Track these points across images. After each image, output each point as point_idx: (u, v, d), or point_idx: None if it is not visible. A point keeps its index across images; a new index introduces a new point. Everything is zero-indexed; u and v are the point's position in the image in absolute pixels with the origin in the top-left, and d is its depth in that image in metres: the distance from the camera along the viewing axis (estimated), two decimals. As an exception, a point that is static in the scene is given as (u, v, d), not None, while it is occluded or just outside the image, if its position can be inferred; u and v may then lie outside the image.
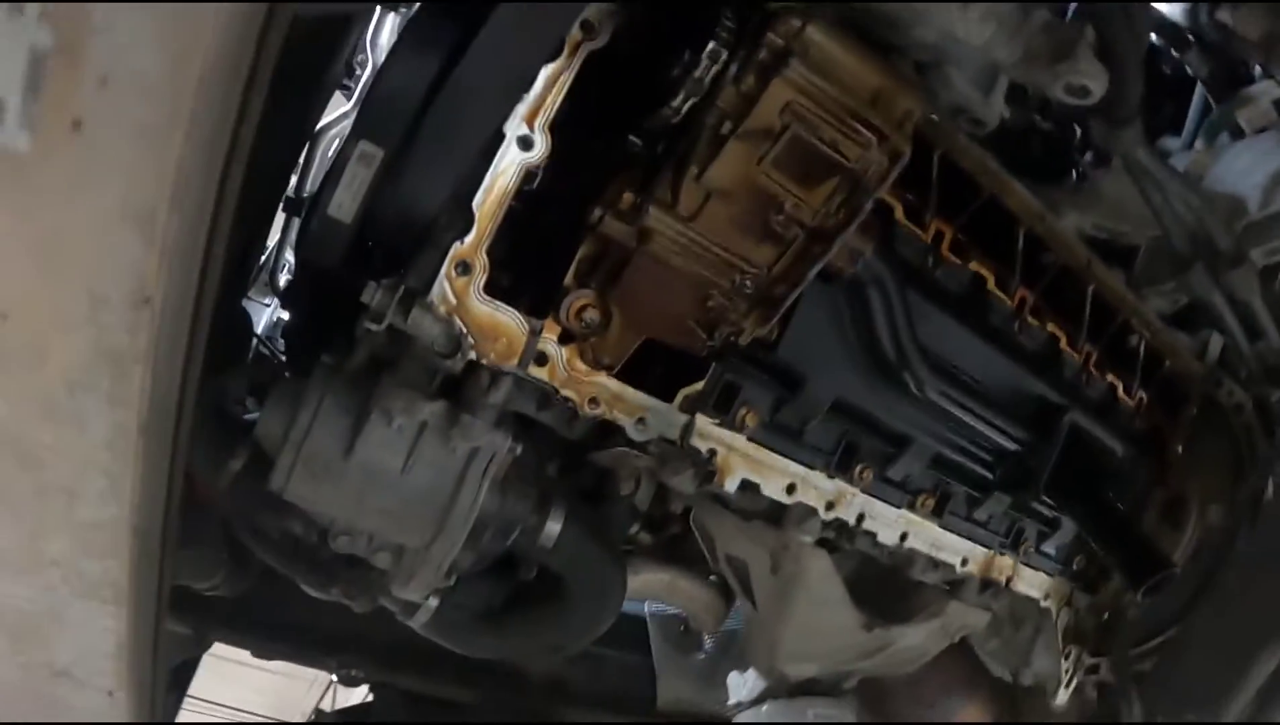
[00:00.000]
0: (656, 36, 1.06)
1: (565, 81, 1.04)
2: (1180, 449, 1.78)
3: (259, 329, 1.74)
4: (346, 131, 1.60)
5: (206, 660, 1.82)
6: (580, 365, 1.12)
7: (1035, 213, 1.42)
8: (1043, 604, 1.65)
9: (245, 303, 1.87)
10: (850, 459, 1.30)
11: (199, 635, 1.52)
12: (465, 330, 1.05)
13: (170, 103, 0.45)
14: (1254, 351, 1.72)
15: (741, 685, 1.72)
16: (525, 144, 1.04)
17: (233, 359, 1.39)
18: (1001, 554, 1.54)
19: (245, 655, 1.72)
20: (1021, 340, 1.43)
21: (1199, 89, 1.85)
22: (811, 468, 1.28)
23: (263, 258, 2.05)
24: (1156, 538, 1.76)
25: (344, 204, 1.03)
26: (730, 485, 1.22)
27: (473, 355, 1.07)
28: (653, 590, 1.52)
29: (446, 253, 1.04)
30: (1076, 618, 1.73)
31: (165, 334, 0.55)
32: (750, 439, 1.22)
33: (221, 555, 1.29)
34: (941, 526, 1.44)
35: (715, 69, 0.99)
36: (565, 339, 1.11)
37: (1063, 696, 1.75)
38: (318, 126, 1.93)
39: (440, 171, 1.04)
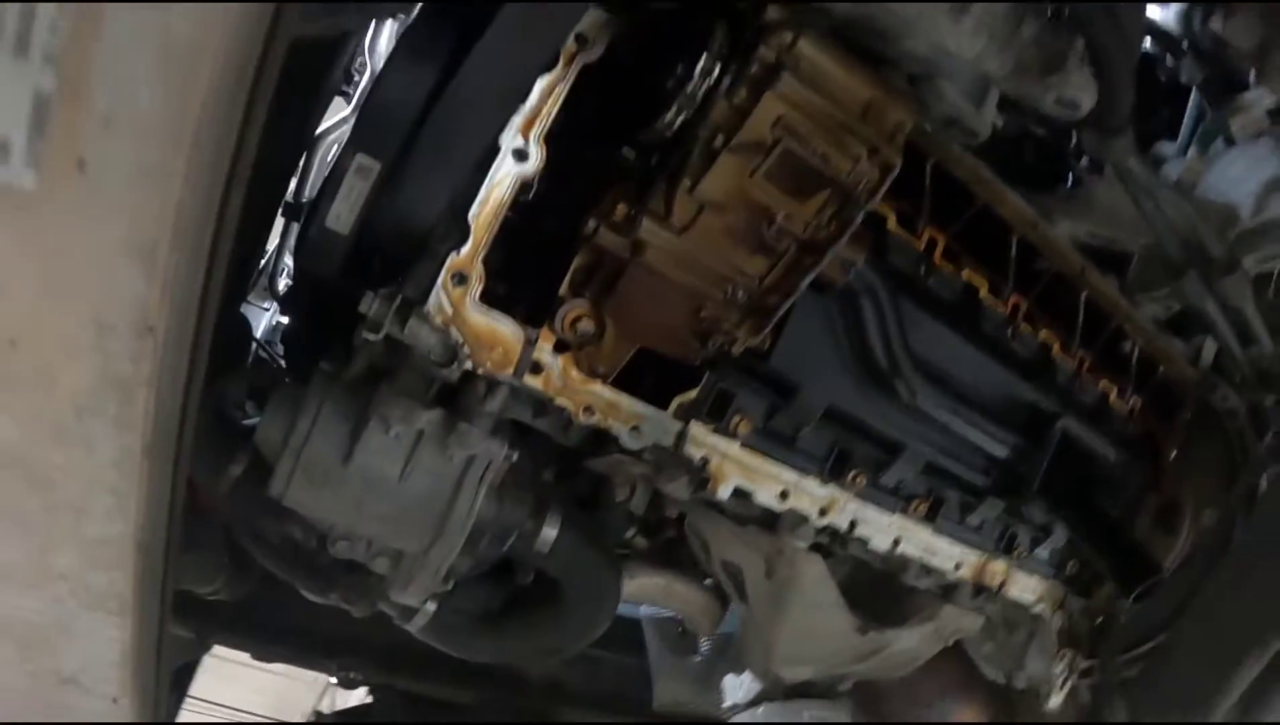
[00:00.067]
0: (650, 50, 1.07)
1: (560, 93, 1.06)
2: (1174, 454, 1.79)
3: (258, 333, 1.75)
4: (345, 137, 1.61)
5: (206, 660, 1.84)
6: (575, 374, 1.13)
7: (1028, 221, 1.43)
8: (1035, 609, 1.66)
9: (245, 306, 1.89)
10: (843, 465, 1.31)
11: (200, 638, 1.54)
12: (461, 340, 1.07)
13: (170, 143, 0.47)
14: (1247, 357, 1.73)
15: (737, 687, 1.74)
16: (520, 156, 1.05)
17: (232, 364, 1.40)
18: (994, 559, 1.55)
19: (245, 656, 1.74)
20: (1014, 347, 1.44)
21: (1194, 94, 1.86)
22: (805, 474, 1.29)
23: (262, 262, 2.06)
24: (1150, 542, 1.77)
25: (341, 216, 1.04)
26: (723, 492, 1.23)
27: (469, 365, 1.08)
28: (648, 594, 1.53)
29: (443, 263, 1.05)
30: (1070, 621, 1.75)
31: (168, 361, 0.57)
32: (744, 446, 1.23)
33: (222, 560, 1.31)
34: (934, 532, 1.45)
35: (707, 83, 1.00)
36: (560, 348, 1.12)
37: (1056, 700, 1.76)
38: (317, 132, 1.94)
39: (437, 183, 1.05)
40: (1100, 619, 1.78)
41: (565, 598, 1.33)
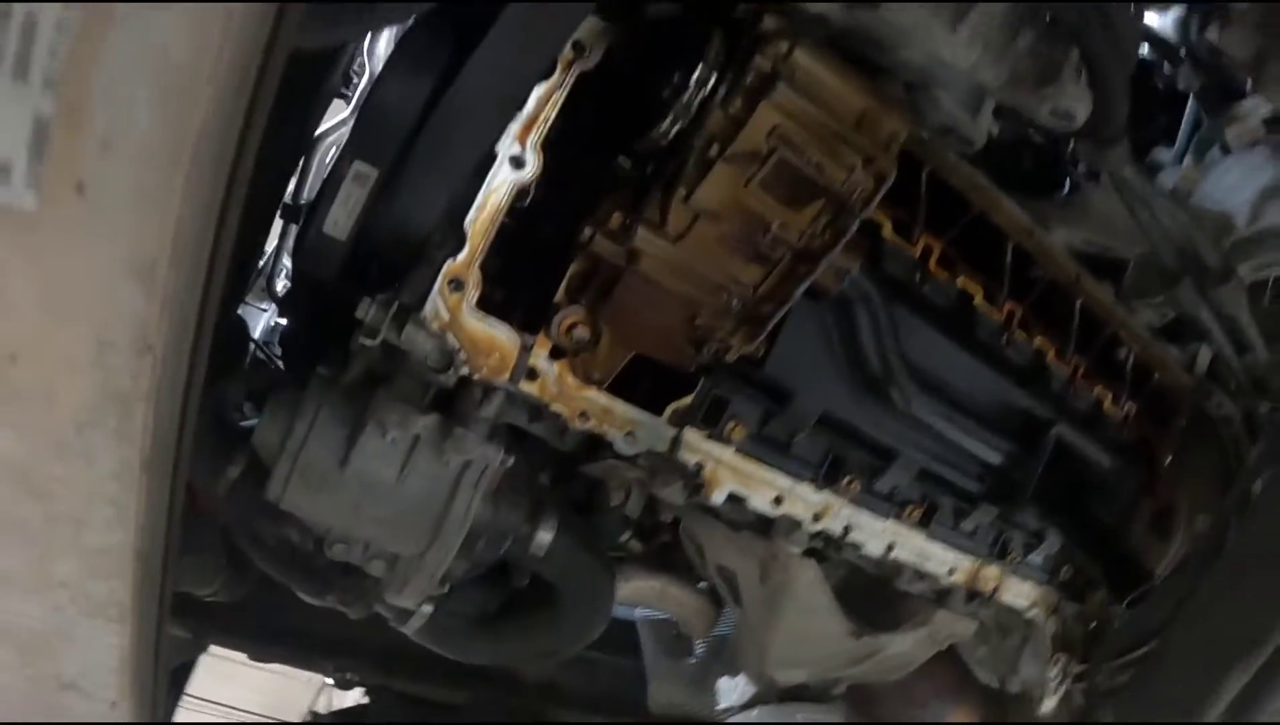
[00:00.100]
0: (647, 58, 1.07)
1: (557, 101, 1.06)
2: (1169, 460, 1.80)
3: (257, 333, 1.76)
4: (344, 139, 1.62)
5: (204, 658, 1.85)
6: (571, 380, 1.14)
7: (1024, 228, 1.44)
8: (1028, 614, 1.67)
9: (243, 307, 1.89)
10: (837, 472, 1.32)
11: (197, 638, 1.55)
12: (458, 346, 1.07)
13: (168, 165, 0.48)
14: (1242, 364, 1.74)
15: (732, 690, 1.75)
16: (517, 163, 1.06)
17: (229, 366, 1.41)
18: (988, 564, 1.56)
19: (243, 654, 1.75)
20: (1009, 354, 1.45)
21: (1191, 101, 1.87)
22: (799, 480, 1.30)
23: (261, 263, 2.06)
24: (1145, 548, 1.78)
25: (339, 222, 1.05)
26: (718, 498, 1.24)
27: (465, 370, 1.09)
28: (643, 597, 1.54)
29: (440, 269, 1.06)
30: (1064, 626, 1.75)
31: (166, 377, 0.58)
32: (738, 452, 1.24)
33: (220, 562, 1.32)
34: (928, 537, 1.45)
35: (703, 93, 1.01)
36: (556, 354, 1.13)
37: (1050, 704, 1.77)
38: (316, 133, 1.94)
39: (434, 189, 1.06)
40: (1094, 624, 1.79)
41: (560, 601, 1.34)
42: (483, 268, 1.07)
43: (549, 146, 1.06)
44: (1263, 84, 1.38)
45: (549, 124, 1.06)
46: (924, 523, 1.44)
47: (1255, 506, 1.66)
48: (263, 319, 2.10)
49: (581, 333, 1.11)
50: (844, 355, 1.25)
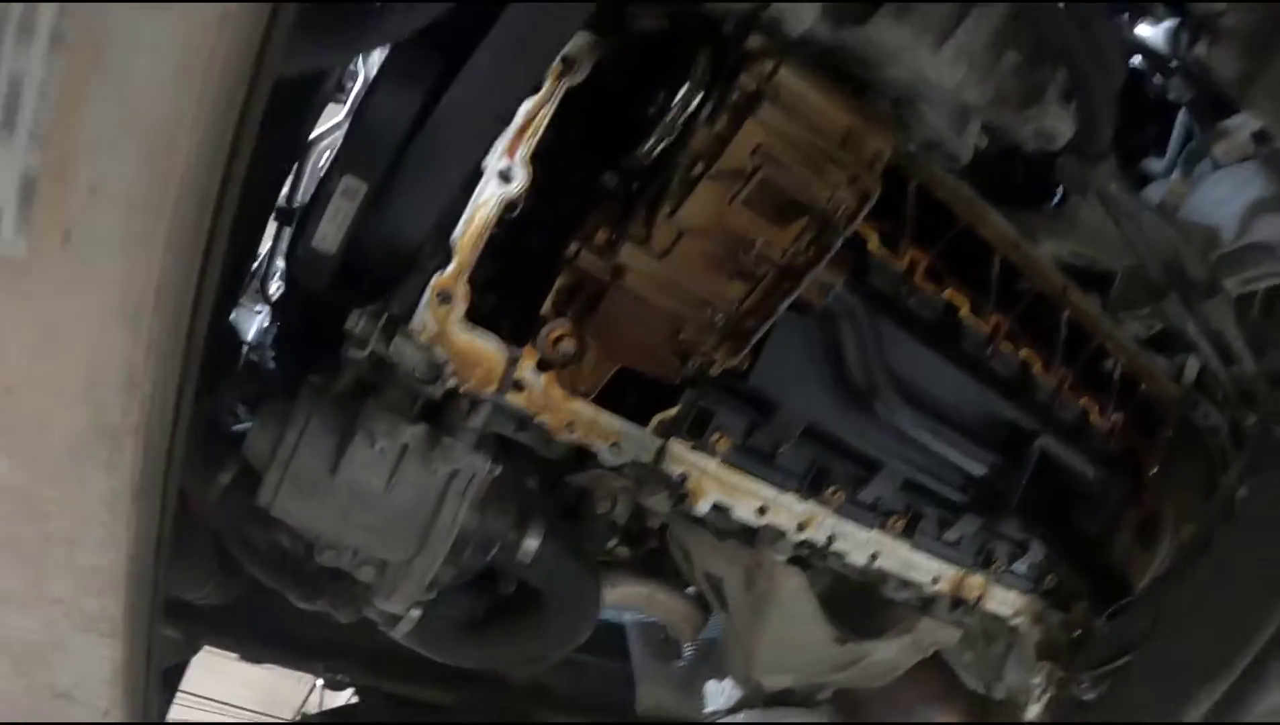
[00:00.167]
0: (635, 75, 1.08)
1: (546, 115, 1.07)
2: (1156, 470, 1.81)
3: (251, 335, 1.77)
4: (338, 142, 1.62)
5: (198, 655, 1.87)
6: (557, 391, 1.15)
7: (1010, 241, 1.45)
8: (1012, 622, 1.69)
9: (239, 308, 1.90)
10: (821, 482, 1.33)
11: (189, 639, 1.57)
12: (446, 358, 1.09)
13: (152, 214, 0.50)
14: (1230, 375, 1.75)
15: (719, 693, 1.77)
16: (506, 177, 1.07)
17: (222, 370, 1.42)
18: (972, 573, 1.57)
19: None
20: (994, 366, 1.46)
21: (1183, 110, 1.87)
22: (783, 490, 1.31)
23: (256, 265, 2.07)
24: (1130, 557, 1.79)
25: (328, 236, 1.06)
26: (702, 507, 1.26)
27: (453, 382, 1.10)
28: (631, 602, 1.56)
29: (428, 282, 1.07)
30: (1049, 634, 1.77)
31: (154, 412, 0.61)
32: (723, 462, 1.25)
33: (212, 566, 1.33)
34: (912, 547, 1.47)
35: (688, 111, 1.02)
36: (543, 366, 1.14)
37: (1034, 711, 1.79)
38: (310, 137, 1.95)
39: (423, 203, 1.07)
40: (1079, 632, 1.80)
41: (547, 607, 1.36)
42: (471, 280, 1.09)
43: (537, 160, 1.07)
44: (1250, 102, 1.39)
45: (537, 138, 1.07)
46: (908, 532, 1.45)
47: (1237, 515, 1.68)
48: (257, 320, 2.11)
49: (568, 346, 1.12)
50: (829, 368, 1.27)
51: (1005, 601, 1.66)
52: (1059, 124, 1.13)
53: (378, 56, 2.03)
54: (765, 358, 1.21)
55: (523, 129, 1.07)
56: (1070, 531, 1.51)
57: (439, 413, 1.13)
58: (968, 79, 1.11)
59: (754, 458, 1.28)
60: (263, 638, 1.64)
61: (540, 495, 1.36)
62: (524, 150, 1.07)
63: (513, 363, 1.12)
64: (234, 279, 1.63)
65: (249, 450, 1.14)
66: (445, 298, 1.08)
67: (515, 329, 1.13)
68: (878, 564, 1.45)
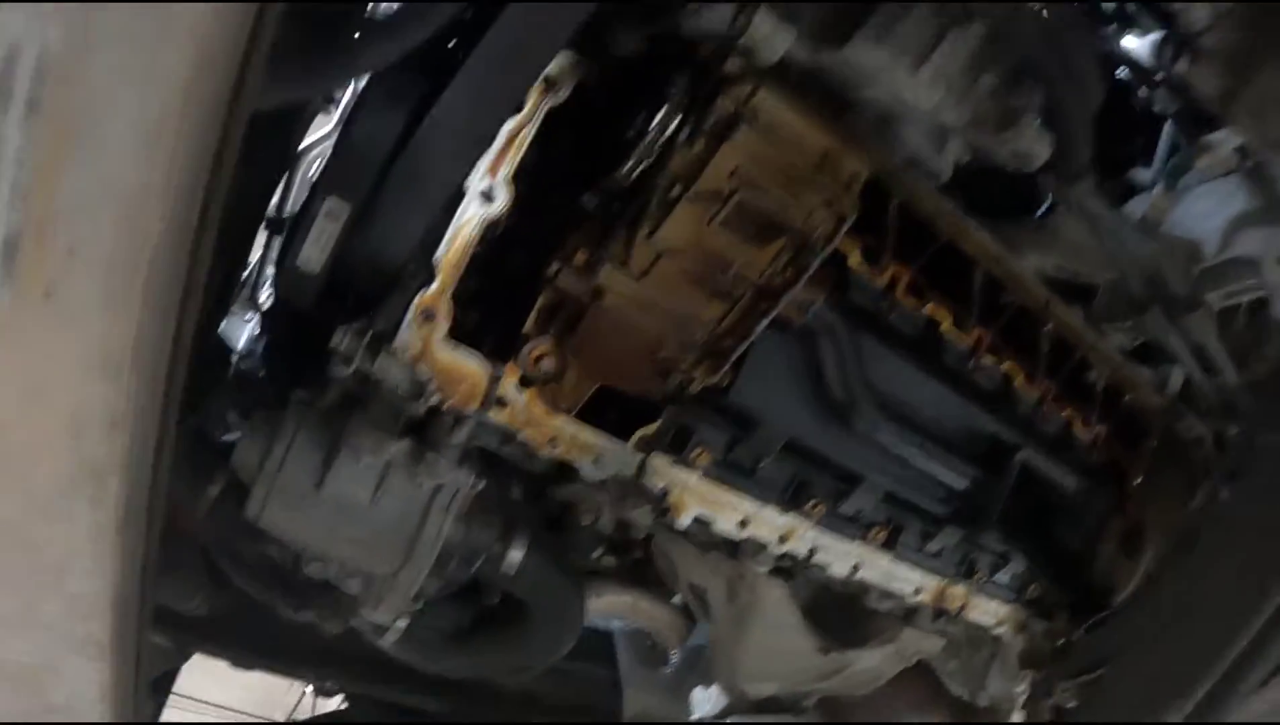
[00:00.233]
0: (616, 97, 1.10)
1: (527, 135, 1.09)
2: (1140, 480, 1.82)
3: (242, 344, 1.79)
4: (328, 151, 1.62)
5: (195, 657, 1.89)
6: (539, 408, 1.16)
7: (993, 255, 1.46)
8: (995, 632, 1.70)
9: (230, 316, 1.92)
10: (802, 495, 1.34)
11: (179, 647, 1.59)
12: (429, 375, 1.10)
13: (128, 273, 0.53)
14: (1213, 386, 1.76)
15: (705, 700, 1.78)
16: (488, 196, 1.09)
17: (212, 383, 1.43)
18: (954, 584, 1.59)
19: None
20: (976, 379, 1.47)
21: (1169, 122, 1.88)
22: (764, 504, 1.33)
23: (247, 273, 2.09)
24: (1113, 567, 1.81)
25: (313, 257, 1.08)
26: (684, 521, 1.27)
27: (436, 399, 1.12)
28: (616, 611, 1.58)
29: (412, 300, 1.09)
30: (1032, 643, 1.79)
31: (136, 453, 0.64)
32: (704, 477, 1.27)
33: (201, 578, 1.35)
34: (893, 558, 1.48)
35: (666, 134, 1.03)
36: (525, 383, 1.16)
37: (1018, 717, 1.81)
38: (300, 147, 1.97)
39: (406, 224, 1.09)
40: (1062, 641, 1.82)
41: (531, 618, 1.38)
42: (455, 296, 1.10)
43: (520, 179, 1.09)
44: (1232, 118, 1.40)
45: (519, 158, 1.09)
46: (889, 544, 1.47)
47: (1218, 521, 1.69)
48: (247, 328, 2.13)
49: (549, 364, 1.14)
50: (809, 383, 1.28)
51: (988, 611, 1.67)
52: (1035, 146, 1.15)
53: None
54: (746, 374, 1.22)
55: (505, 149, 1.08)
56: (1051, 543, 1.53)
57: (423, 428, 1.14)
58: (945, 101, 1.12)
59: (735, 472, 1.29)
60: (252, 645, 1.66)
61: (524, 506, 1.38)
62: (506, 170, 1.08)
63: (495, 380, 1.13)
64: (224, 288, 1.64)
65: (237, 463, 1.16)
66: (429, 316, 1.09)
67: (498, 344, 1.15)
68: (860, 575, 1.46)
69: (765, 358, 1.24)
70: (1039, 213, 1.74)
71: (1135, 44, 1.82)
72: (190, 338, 0.59)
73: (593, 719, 1.91)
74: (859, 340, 1.30)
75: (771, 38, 1.00)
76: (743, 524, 1.32)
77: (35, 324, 0.54)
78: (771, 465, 1.31)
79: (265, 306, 1.91)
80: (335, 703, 2.07)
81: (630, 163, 1.04)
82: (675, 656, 1.86)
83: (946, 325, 1.42)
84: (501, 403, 1.15)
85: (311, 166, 1.99)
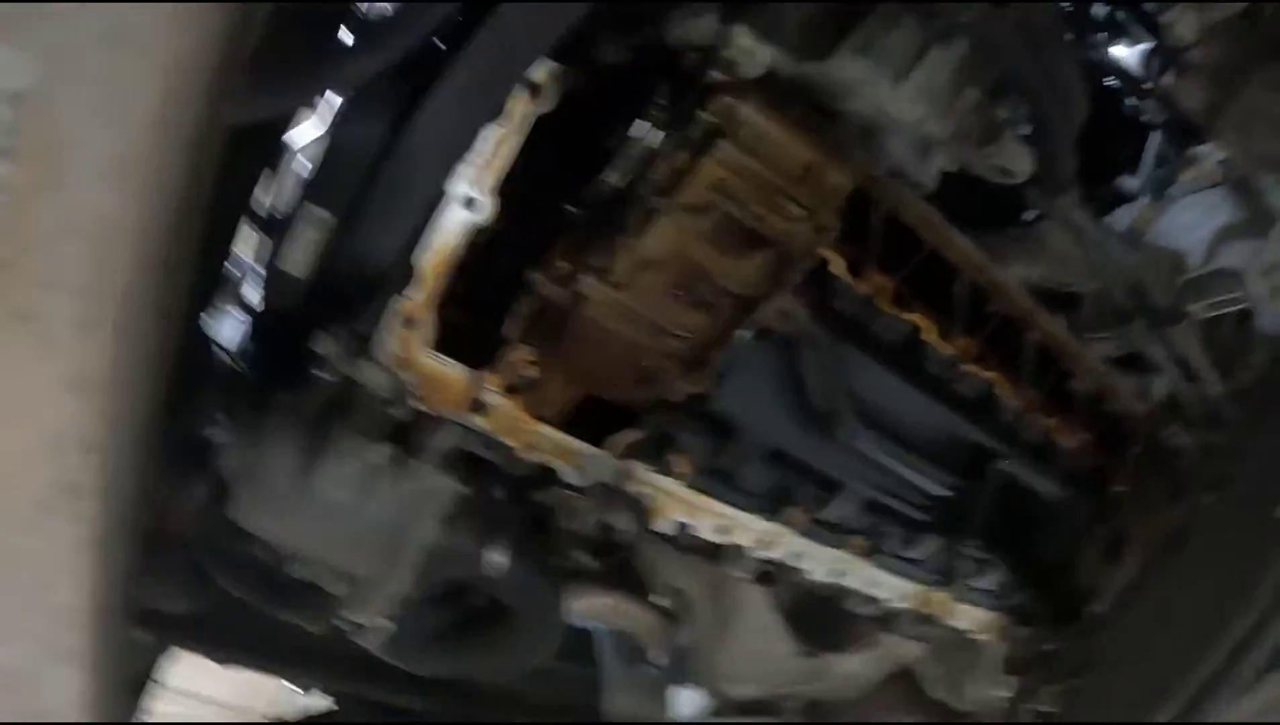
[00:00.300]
0: (600, 106, 1.10)
1: (511, 143, 1.09)
2: (1124, 488, 1.84)
3: (229, 341, 1.79)
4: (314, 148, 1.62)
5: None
6: (520, 414, 1.17)
7: (977, 264, 1.46)
8: (977, 638, 1.72)
9: (218, 313, 1.92)
10: (783, 503, 1.35)
11: (161, 643, 1.60)
12: (412, 381, 1.11)
13: (101, 301, 0.54)
14: (1197, 395, 1.77)
15: (687, 700, 1.80)
16: (471, 205, 1.09)
17: (198, 381, 1.44)
18: (936, 590, 1.60)
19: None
20: (959, 388, 1.48)
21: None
22: (745, 510, 1.34)
23: (235, 266, 2.08)
24: (1097, 574, 1.82)
25: (297, 263, 1.08)
26: (665, 526, 1.28)
27: (419, 404, 1.13)
28: (597, 612, 1.58)
29: (395, 307, 1.09)
30: (1015, 648, 1.80)
31: (112, 474, 0.66)
32: (685, 484, 1.28)
33: (184, 577, 1.36)
34: (875, 565, 1.49)
35: (648, 145, 1.04)
36: (507, 389, 1.16)
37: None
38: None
39: (389, 231, 1.09)
40: (1045, 647, 1.83)
41: (514, 620, 1.38)
42: (440, 300, 1.11)
43: (505, 186, 1.09)
44: (1216, 133, 1.41)
45: (504, 166, 1.09)
46: (871, 551, 1.48)
47: (1200, 528, 1.70)
48: (234, 326, 2.12)
49: (531, 371, 1.14)
50: (791, 392, 1.29)
51: (970, 617, 1.69)
52: (1017, 161, 1.15)
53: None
54: (727, 382, 1.23)
55: (489, 156, 1.08)
56: (1034, 550, 1.54)
57: (406, 433, 1.15)
58: (928, 114, 1.13)
59: (716, 479, 1.30)
60: (235, 642, 1.67)
61: (507, 508, 1.39)
62: (490, 178, 1.09)
63: (477, 386, 1.14)
64: (209, 284, 1.64)
65: (221, 464, 1.16)
66: (411, 323, 1.10)
67: (481, 349, 1.16)
68: (841, 581, 1.47)
69: (747, 366, 1.24)
70: (1025, 220, 1.75)
71: (1125, 53, 1.83)
72: (166, 362, 0.60)
73: (575, 718, 1.92)
74: (841, 349, 1.30)
75: (754, 51, 1.00)
76: (724, 530, 1.33)
77: (11, 347, 0.55)
78: (753, 473, 1.32)
79: (252, 306, 1.90)
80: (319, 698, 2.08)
81: (612, 172, 1.05)
82: (657, 657, 1.87)
83: (930, 334, 1.43)
84: (483, 409, 1.15)
85: (295, 160, 1.98)
